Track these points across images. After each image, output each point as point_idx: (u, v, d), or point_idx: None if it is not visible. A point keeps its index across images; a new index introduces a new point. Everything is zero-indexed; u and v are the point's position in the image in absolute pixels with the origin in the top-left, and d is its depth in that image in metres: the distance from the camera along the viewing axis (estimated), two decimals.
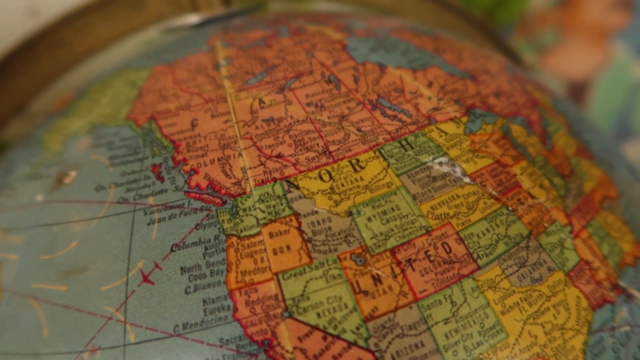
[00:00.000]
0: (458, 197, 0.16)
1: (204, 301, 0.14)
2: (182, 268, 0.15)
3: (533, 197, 0.17)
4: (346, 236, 0.15)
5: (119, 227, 0.16)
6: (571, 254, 0.16)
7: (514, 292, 0.15)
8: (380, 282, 0.14)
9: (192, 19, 0.27)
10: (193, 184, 0.16)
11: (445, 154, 0.17)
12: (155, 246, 0.15)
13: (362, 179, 0.16)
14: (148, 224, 0.16)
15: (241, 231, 0.15)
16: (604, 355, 0.15)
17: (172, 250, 0.15)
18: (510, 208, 0.16)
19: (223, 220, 0.15)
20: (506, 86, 0.21)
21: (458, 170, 0.17)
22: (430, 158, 0.17)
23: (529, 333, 0.15)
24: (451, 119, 0.18)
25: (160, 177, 0.17)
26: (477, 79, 0.21)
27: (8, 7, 0.34)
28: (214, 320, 0.14)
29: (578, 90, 0.56)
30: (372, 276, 0.15)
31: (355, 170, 0.16)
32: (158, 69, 0.21)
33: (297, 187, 0.16)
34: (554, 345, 0.15)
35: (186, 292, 0.15)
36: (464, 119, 0.18)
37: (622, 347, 0.16)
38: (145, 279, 0.15)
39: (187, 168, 0.17)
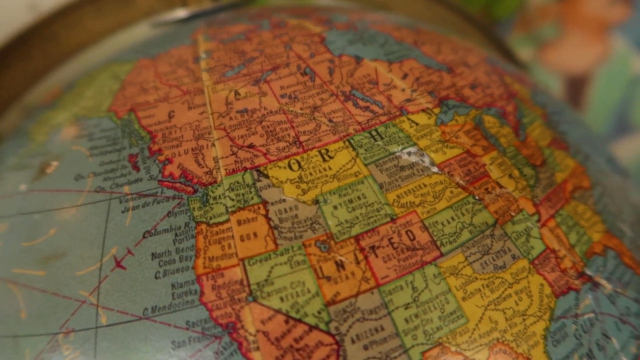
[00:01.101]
0: (425, 186, 0.17)
1: (173, 285, 0.15)
2: (152, 254, 0.15)
3: (501, 187, 0.17)
4: (312, 224, 0.15)
5: (95, 214, 0.17)
6: (537, 243, 0.17)
7: (476, 278, 0.15)
8: (343, 268, 0.15)
9: (181, 13, 0.27)
10: (167, 173, 0.17)
11: (415, 144, 0.17)
12: (129, 233, 0.16)
13: (330, 168, 0.16)
14: (122, 212, 0.16)
15: (210, 218, 0.16)
16: (565, 341, 0.16)
17: (144, 236, 0.16)
18: (476, 197, 0.17)
19: (194, 208, 0.16)
20: (484, 78, 0.21)
21: (426, 160, 0.17)
22: (399, 148, 0.17)
23: (489, 319, 0.15)
24: (423, 110, 0.18)
25: (136, 167, 0.17)
26: (454, 71, 0.21)
27: (9, 4, 0.35)
28: (181, 304, 0.15)
29: (577, 85, 0.55)
30: (336, 262, 0.15)
31: (324, 160, 0.17)
32: (141, 63, 0.21)
33: (267, 176, 0.16)
34: (514, 331, 0.15)
35: (156, 277, 0.15)
36: (436, 110, 0.19)
37: (585, 333, 0.16)
38: (118, 264, 0.16)
39: (162, 158, 0.17)
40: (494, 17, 0.59)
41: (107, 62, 0.23)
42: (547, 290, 0.16)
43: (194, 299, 0.15)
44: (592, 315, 0.16)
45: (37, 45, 0.26)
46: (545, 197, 0.18)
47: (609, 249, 0.18)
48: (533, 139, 0.20)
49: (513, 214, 0.17)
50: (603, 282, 0.17)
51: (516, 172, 0.18)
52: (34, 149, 0.20)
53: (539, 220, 0.17)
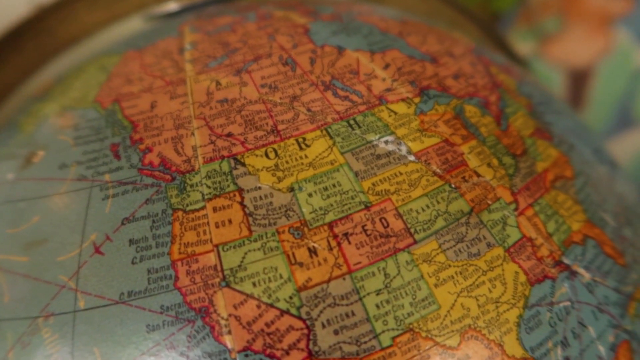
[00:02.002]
0: (401, 174, 0.17)
1: (149, 271, 0.15)
2: (130, 240, 0.16)
3: (479, 175, 0.17)
4: (286, 211, 0.16)
5: (76, 202, 0.17)
6: (513, 231, 0.17)
7: (450, 266, 0.16)
8: (316, 254, 0.15)
9: (173, 6, 0.28)
10: (147, 161, 0.17)
11: (393, 133, 0.17)
12: (108, 220, 0.16)
13: (306, 156, 0.17)
14: (103, 199, 0.17)
15: (187, 205, 0.16)
16: (539, 329, 0.16)
17: (122, 223, 0.16)
18: (453, 185, 0.17)
19: (171, 196, 0.16)
20: (468, 68, 0.21)
21: (403, 148, 0.17)
22: (377, 137, 0.17)
23: (461, 305, 0.15)
24: (403, 100, 0.19)
25: (117, 156, 0.17)
26: (438, 61, 0.21)
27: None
28: (156, 288, 0.15)
29: (580, 79, 0.55)
30: (309, 248, 0.15)
31: (301, 148, 0.17)
32: (128, 54, 0.22)
33: (243, 164, 0.16)
34: (486, 318, 0.15)
35: (133, 262, 0.15)
36: (416, 100, 0.19)
37: (560, 321, 0.16)
38: (97, 250, 0.16)
39: (142, 147, 0.17)
40: (494, 10, 0.58)
41: (97, 55, 0.24)
42: (522, 278, 0.16)
43: (168, 283, 0.15)
44: (568, 303, 0.16)
45: (31, 39, 0.26)
46: (524, 186, 0.18)
47: (589, 238, 0.18)
48: (515, 128, 0.20)
49: (490, 202, 0.17)
50: (581, 270, 0.17)
51: (495, 161, 0.18)
52: (22, 139, 0.20)
53: (516, 209, 0.17)
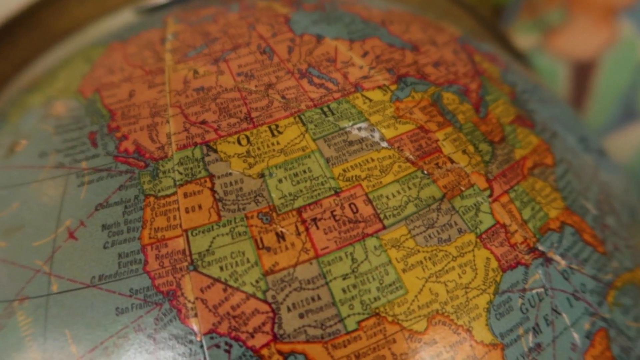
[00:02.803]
0: (372, 160, 0.17)
1: (119, 255, 0.15)
2: (103, 225, 0.16)
3: (453, 162, 0.17)
4: (255, 196, 0.16)
5: (53, 189, 0.17)
6: (486, 217, 0.17)
7: (419, 251, 0.15)
8: (284, 239, 0.15)
9: None
10: (122, 149, 0.17)
11: (366, 120, 0.17)
12: (83, 206, 0.16)
13: (278, 143, 0.17)
14: (79, 186, 0.17)
15: (159, 191, 0.16)
16: (510, 315, 0.16)
17: (96, 209, 0.16)
18: (425, 172, 0.17)
19: (144, 182, 0.16)
20: (450, 56, 0.21)
21: (376, 135, 0.17)
22: (350, 124, 0.17)
23: (429, 290, 0.15)
24: (379, 87, 0.18)
25: (94, 143, 0.18)
26: (419, 49, 0.21)
27: None
28: (126, 272, 0.15)
29: (584, 71, 0.54)
30: (276, 233, 0.15)
31: (273, 135, 0.17)
32: (113, 46, 0.22)
33: (215, 151, 0.17)
34: (455, 303, 0.15)
35: (104, 247, 0.16)
36: (393, 87, 0.19)
37: (532, 308, 0.16)
38: (71, 235, 0.16)
39: (119, 134, 0.18)
40: (498, 2, 0.58)
41: (84, 47, 0.24)
42: (494, 264, 0.16)
43: (138, 267, 0.15)
44: (541, 290, 0.16)
45: (23, 32, 0.27)
46: (500, 173, 0.18)
47: (567, 225, 0.18)
48: (495, 115, 0.19)
49: (463, 188, 0.17)
50: (557, 258, 0.17)
51: (471, 148, 0.18)
52: (8, 129, 0.21)
53: (490, 196, 0.17)
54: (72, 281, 0.15)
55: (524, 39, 0.57)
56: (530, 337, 0.16)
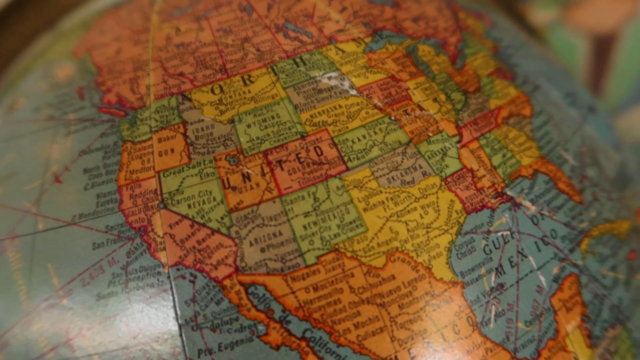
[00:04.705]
0: (340, 107, 0.17)
1: (98, 195, 0.16)
2: (84, 169, 0.17)
3: (422, 109, 0.17)
4: (225, 140, 0.16)
5: (44, 139, 0.18)
6: (453, 162, 0.17)
7: (381, 192, 0.16)
8: (249, 180, 0.16)
9: None
10: (105, 100, 0.18)
11: (337, 69, 0.18)
12: (68, 153, 0.18)
13: (249, 91, 0.17)
14: (66, 135, 0.18)
15: (136, 137, 0.17)
16: (472, 255, 0.16)
17: (79, 155, 0.17)
18: (392, 118, 0.17)
19: (123, 129, 0.17)
20: (432, 12, 0.21)
21: (346, 83, 0.18)
22: (320, 73, 0.18)
23: (390, 229, 0.15)
24: (353, 39, 0.19)
25: (82, 97, 0.19)
26: (400, 5, 0.21)
27: None
28: (103, 211, 0.16)
29: (604, 45, 0.52)
30: (242, 174, 0.16)
31: (245, 84, 0.17)
32: (108, 11, 0.23)
33: (190, 100, 0.17)
34: (415, 242, 0.15)
35: (85, 189, 0.17)
36: (367, 39, 0.19)
37: (496, 249, 0.16)
38: (56, 179, 0.17)
39: (104, 88, 0.19)
40: None
41: (85, 17, 0.25)
42: (458, 206, 0.16)
43: (114, 206, 0.16)
44: (507, 233, 0.16)
45: (32, 7, 0.28)
46: (471, 121, 0.18)
47: (540, 173, 0.18)
48: (472, 67, 0.19)
49: (431, 134, 0.17)
50: (526, 203, 0.17)
51: (442, 97, 0.18)
52: (11, 91, 0.22)
53: (459, 142, 0.17)
54: (56, 220, 0.17)
55: (543, 13, 0.55)
56: (493, 277, 0.16)
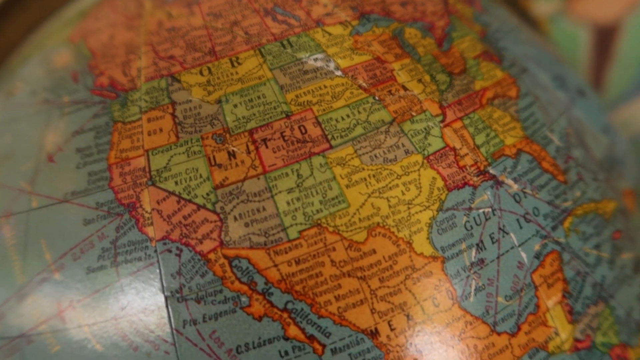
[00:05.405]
0: (325, 87, 0.17)
1: (89, 174, 0.17)
2: (77, 149, 0.17)
3: (406, 90, 0.18)
4: (212, 120, 0.17)
5: (39, 121, 0.19)
6: (436, 140, 0.17)
7: (363, 169, 0.16)
8: (234, 157, 0.16)
9: None
10: (98, 83, 0.19)
11: (323, 51, 0.18)
12: (62, 133, 0.18)
13: (237, 73, 0.18)
14: (60, 117, 0.19)
15: (126, 118, 0.17)
16: (453, 230, 0.16)
17: (72, 135, 0.18)
18: (377, 97, 0.17)
19: (114, 110, 0.18)
20: None
21: (332, 65, 0.18)
22: (307, 55, 0.18)
23: (371, 205, 0.16)
24: (341, 22, 0.19)
25: (76, 81, 0.19)
26: None
27: None
28: (94, 188, 0.17)
29: (606, 35, 0.52)
30: (228, 152, 0.16)
31: (233, 66, 0.18)
32: (103, 0, 0.24)
33: (179, 81, 0.18)
34: (397, 217, 0.16)
35: (77, 167, 0.17)
36: (354, 23, 0.19)
37: (477, 226, 0.16)
38: (50, 159, 0.18)
39: (97, 71, 0.19)
40: None
41: (83, 6, 0.26)
42: (440, 183, 0.16)
43: (104, 184, 0.17)
44: (488, 210, 0.17)
45: None
46: (455, 101, 0.18)
47: (524, 152, 0.18)
48: (458, 50, 0.20)
49: (414, 114, 0.17)
50: (509, 181, 0.17)
51: (427, 78, 0.18)
52: (11, 78, 0.23)
53: (442, 121, 0.17)
54: (49, 198, 0.17)
55: (544, 4, 0.55)
56: (473, 252, 0.16)
